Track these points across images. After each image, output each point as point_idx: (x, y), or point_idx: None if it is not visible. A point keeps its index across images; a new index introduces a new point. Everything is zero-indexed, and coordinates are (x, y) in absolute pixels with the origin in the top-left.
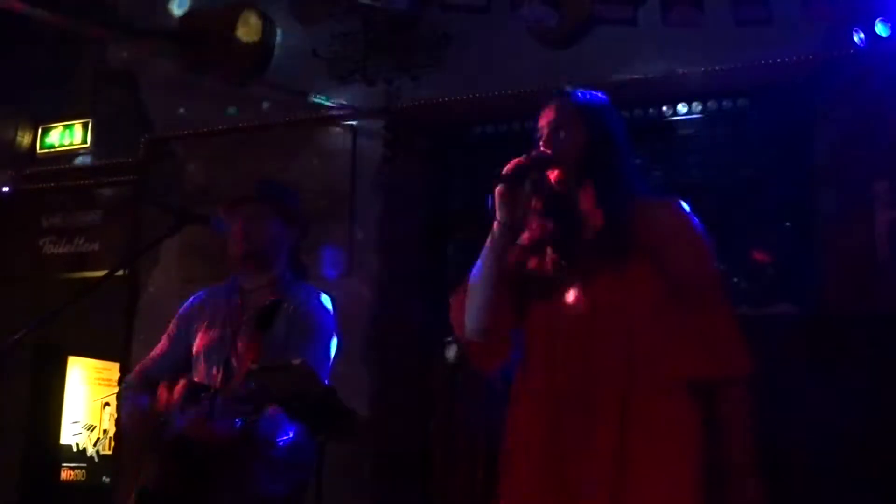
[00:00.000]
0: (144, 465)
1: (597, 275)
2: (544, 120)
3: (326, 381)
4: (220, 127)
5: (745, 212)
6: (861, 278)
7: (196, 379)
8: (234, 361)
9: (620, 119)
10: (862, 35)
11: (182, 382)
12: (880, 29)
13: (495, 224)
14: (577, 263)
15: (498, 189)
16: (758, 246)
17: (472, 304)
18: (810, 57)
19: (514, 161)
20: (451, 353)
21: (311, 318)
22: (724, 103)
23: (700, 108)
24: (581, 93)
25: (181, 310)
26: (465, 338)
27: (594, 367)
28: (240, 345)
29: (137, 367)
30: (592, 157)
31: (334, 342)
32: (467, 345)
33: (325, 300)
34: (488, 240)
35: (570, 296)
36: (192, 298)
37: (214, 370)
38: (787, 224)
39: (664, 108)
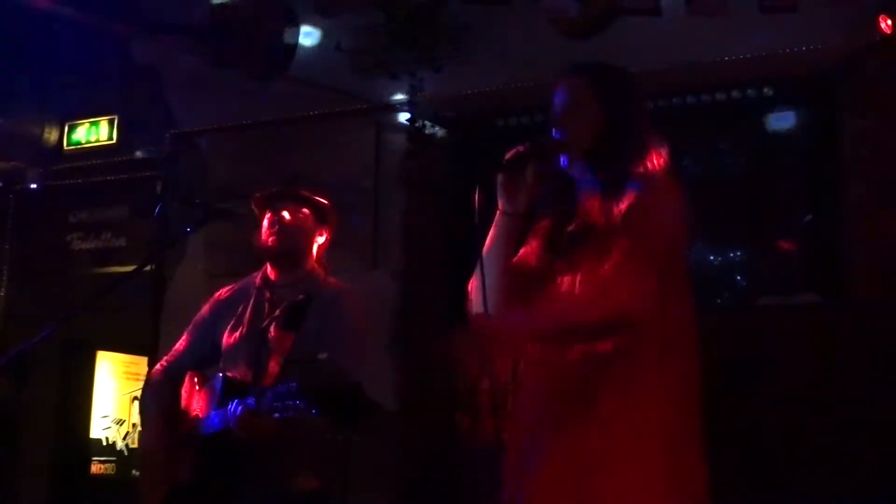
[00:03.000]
0: (176, 459)
1: (592, 260)
2: (558, 98)
3: (358, 375)
4: (245, 122)
5: (771, 201)
6: (888, 267)
7: (226, 374)
8: (264, 356)
9: (640, 94)
10: (889, 22)
11: (219, 378)
12: None
13: (498, 213)
14: (574, 252)
15: (498, 178)
16: (784, 235)
17: (487, 292)
18: (836, 45)
19: (515, 148)
20: None
21: (342, 312)
22: (749, 92)
23: (724, 97)
24: (597, 67)
25: (207, 304)
26: (479, 323)
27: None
28: (270, 340)
29: (160, 364)
30: (607, 139)
31: (364, 336)
32: (481, 329)
33: (355, 295)
34: (492, 228)
35: (564, 285)
36: (218, 293)
37: (244, 365)
38: (814, 213)
39: (688, 98)
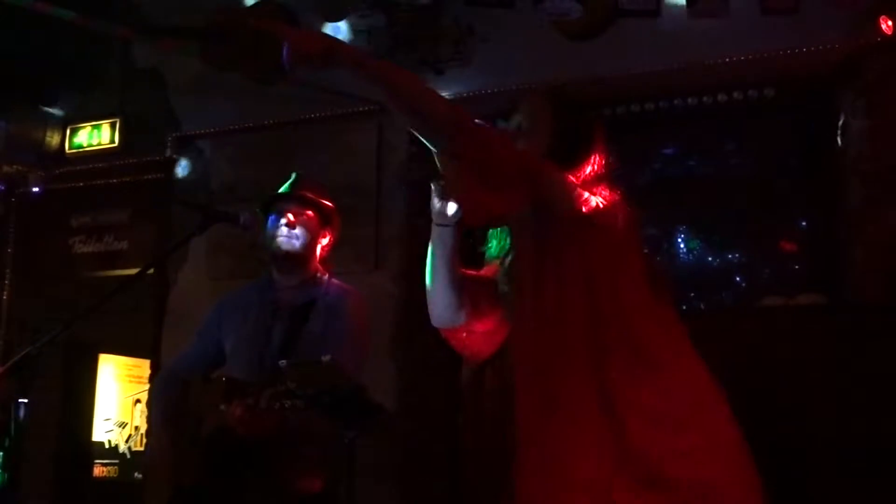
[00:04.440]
0: (181, 460)
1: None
2: (515, 118)
3: (360, 377)
4: (247, 124)
5: (772, 202)
6: (890, 268)
7: (229, 374)
8: (268, 358)
9: (594, 114)
10: (889, 23)
11: (221, 379)
12: None
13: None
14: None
15: (433, 187)
16: (786, 236)
17: (432, 291)
18: (836, 46)
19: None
20: None
21: (345, 314)
22: (750, 93)
23: (725, 98)
24: (548, 89)
25: (213, 308)
26: (442, 329)
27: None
28: (275, 342)
29: (167, 365)
30: (556, 155)
31: (367, 338)
32: (449, 337)
33: (358, 297)
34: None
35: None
36: (224, 296)
37: (248, 366)
38: (814, 214)
39: (689, 100)
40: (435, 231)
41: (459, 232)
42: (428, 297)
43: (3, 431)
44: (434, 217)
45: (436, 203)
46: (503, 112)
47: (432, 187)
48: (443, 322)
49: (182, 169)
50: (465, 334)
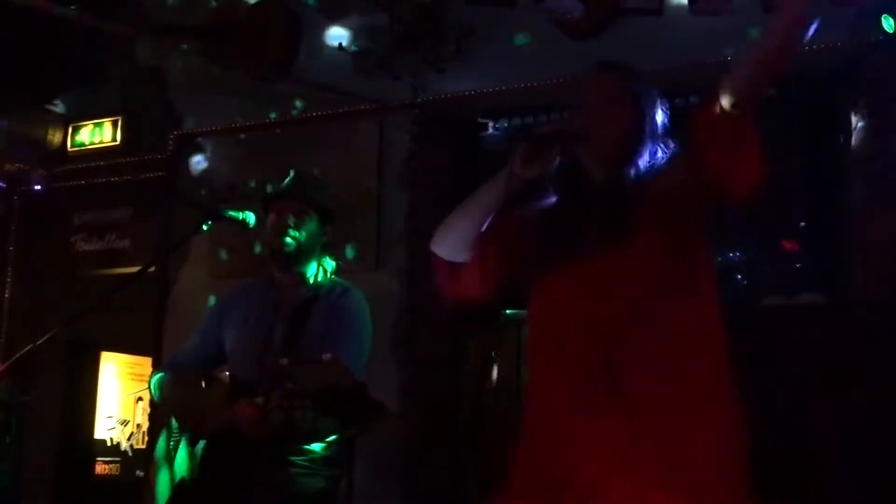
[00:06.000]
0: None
1: (605, 246)
2: (593, 89)
3: (363, 376)
4: (248, 122)
5: (772, 202)
6: (891, 268)
7: (233, 373)
8: (269, 356)
9: (666, 111)
10: (891, 21)
11: (226, 377)
12: None
13: (507, 172)
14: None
15: (521, 144)
16: (786, 235)
17: (458, 222)
18: (838, 44)
19: (549, 129)
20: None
21: (347, 313)
22: None
23: None
24: (630, 68)
25: (214, 305)
26: (441, 258)
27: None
28: (275, 340)
29: (167, 360)
30: (632, 140)
31: (369, 337)
32: (440, 266)
33: (359, 295)
34: (493, 182)
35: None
36: (225, 294)
37: (250, 365)
38: (815, 213)
39: (691, 99)
40: (505, 177)
41: (524, 191)
42: (447, 228)
43: (4, 429)
44: (514, 167)
45: (520, 157)
46: (504, 112)
47: (521, 145)
48: (446, 253)
49: (196, 163)
50: (458, 270)
